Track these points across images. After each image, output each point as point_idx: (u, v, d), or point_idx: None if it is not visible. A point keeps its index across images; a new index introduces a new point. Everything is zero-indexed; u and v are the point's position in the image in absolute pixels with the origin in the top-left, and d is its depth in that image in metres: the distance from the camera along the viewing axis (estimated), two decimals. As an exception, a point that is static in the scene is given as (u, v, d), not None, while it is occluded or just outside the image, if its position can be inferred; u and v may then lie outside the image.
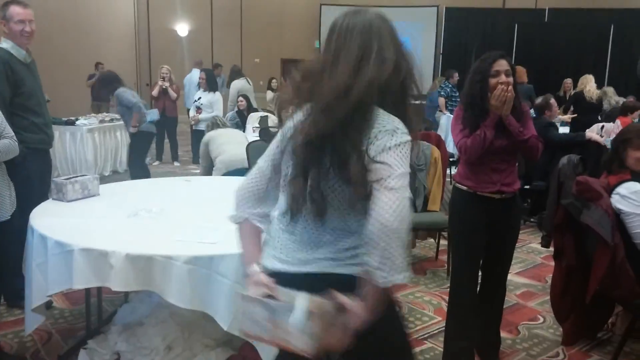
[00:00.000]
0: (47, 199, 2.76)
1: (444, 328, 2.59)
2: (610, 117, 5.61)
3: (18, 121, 2.88)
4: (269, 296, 1.17)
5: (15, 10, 2.91)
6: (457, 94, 8.22)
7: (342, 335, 1.13)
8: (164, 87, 7.24)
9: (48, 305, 2.92)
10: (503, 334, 2.86)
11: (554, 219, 2.86)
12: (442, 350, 2.55)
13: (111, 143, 7.14)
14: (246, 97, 6.93)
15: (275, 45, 12.44)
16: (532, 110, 5.42)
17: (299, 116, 1.24)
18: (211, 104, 6.72)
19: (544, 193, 4.31)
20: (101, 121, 7.10)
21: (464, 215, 2.41)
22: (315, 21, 12.60)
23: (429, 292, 3.48)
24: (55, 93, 8.77)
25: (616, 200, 2.43)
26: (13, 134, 2.54)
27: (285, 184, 1.26)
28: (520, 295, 3.46)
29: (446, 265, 3.79)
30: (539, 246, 4.04)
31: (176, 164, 7.89)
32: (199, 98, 6.83)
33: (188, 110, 7.69)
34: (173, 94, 7.35)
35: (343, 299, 1.13)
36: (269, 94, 9.93)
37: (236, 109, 6.85)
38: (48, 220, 2.30)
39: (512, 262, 4.05)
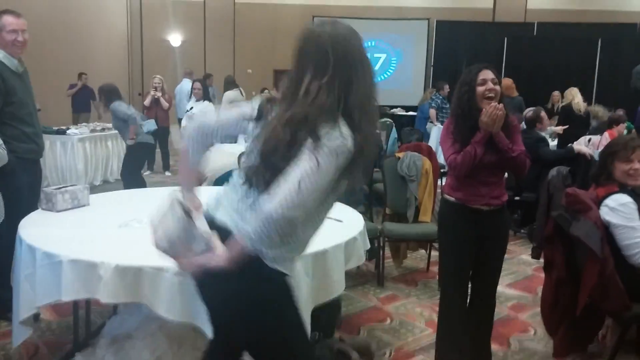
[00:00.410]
0: (37, 209, 2.74)
1: (434, 340, 2.58)
2: (598, 130, 5.68)
3: (8, 130, 2.86)
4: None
5: (7, 20, 2.90)
6: (448, 105, 8.28)
7: (189, 255, 1.38)
8: (156, 96, 7.23)
9: (36, 317, 2.87)
10: (494, 347, 2.86)
11: (543, 230, 2.87)
12: (433, 362, 2.55)
13: (102, 152, 7.10)
14: (238, 108, 6.89)
15: (268, 56, 12.47)
16: (522, 123, 5.48)
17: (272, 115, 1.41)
18: (203, 114, 6.71)
19: (534, 204, 4.34)
20: (92, 130, 7.07)
21: (453, 227, 2.42)
22: (307, 33, 12.68)
23: (420, 303, 3.48)
24: (47, 102, 8.73)
25: (605, 213, 2.46)
26: (2, 142, 2.52)
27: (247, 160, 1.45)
28: (511, 308, 3.47)
29: (437, 276, 3.79)
30: (529, 258, 4.06)
31: (167, 173, 7.86)
32: (191, 108, 6.82)
33: (179, 120, 7.68)
34: (165, 104, 7.33)
35: (213, 238, 1.37)
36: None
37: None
38: (37, 230, 2.28)
39: (503, 274, 4.06)
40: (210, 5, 12.65)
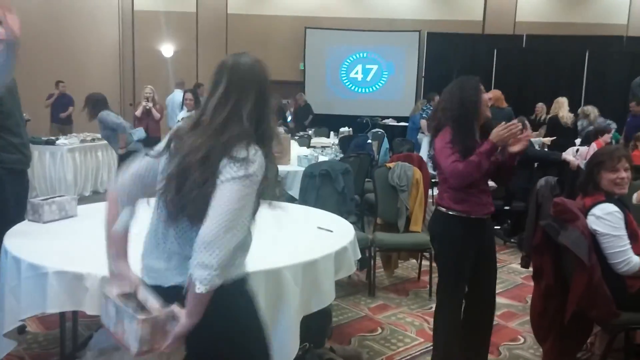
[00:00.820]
0: (24, 220, 2.71)
1: (426, 349, 2.58)
2: (586, 140, 5.74)
3: (-5, 141, 2.84)
4: (127, 294, 1.41)
5: None
6: (439, 116, 8.33)
7: (168, 339, 1.35)
8: (147, 107, 7.22)
9: (21, 329, 2.83)
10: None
11: (532, 239, 2.89)
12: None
13: (92, 163, 7.06)
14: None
15: (260, 67, 12.52)
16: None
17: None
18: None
19: (524, 214, 4.36)
20: (82, 141, 7.04)
21: (457, 240, 2.37)
22: (300, 44, 12.73)
23: (411, 313, 3.48)
24: (39, 113, 8.69)
25: (592, 222, 2.48)
26: None
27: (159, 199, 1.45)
28: (501, 316, 3.47)
29: (428, 286, 3.79)
30: (519, 267, 4.08)
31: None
32: (182, 118, 6.82)
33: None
34: (156, 114, 7.32)
35: (174, 309, 1.35)
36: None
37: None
38: (22, 241, 2.26)
39: (493, 283, 4.08)
40: (203, 16, 12.68)
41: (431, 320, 3.32)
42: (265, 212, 1.53)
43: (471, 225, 2.35)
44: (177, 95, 8.05)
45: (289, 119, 10.73)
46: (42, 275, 1.95)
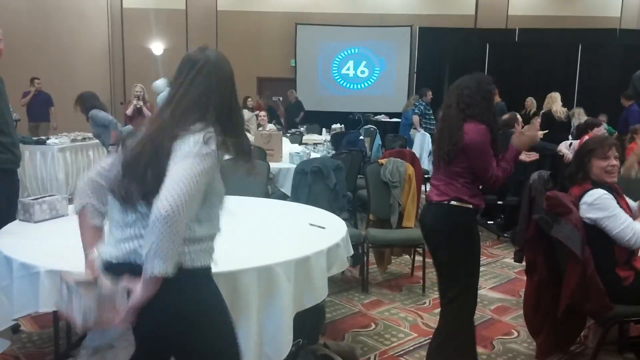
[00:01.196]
0: (15, 220, 2.69)
1: (419, 344, 2.57)
2: (578, 134, 5.77)
3: (-16, 140, 2.81)
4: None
5: None
6: (431, 111, 8.35)
7: (116, 313, 1.36)
8: (138, 105, 7.17)
9: (15, 329, 2.82)
10: (478, 349, 2.87)
11: (525, 233, 2.90)
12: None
13: (83, 162, 7.01)
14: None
15: (251, 64, 12.46)
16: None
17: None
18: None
19: (517, 208, 4.38)
20: (73, 140, 6.98)
21: (472, 231, 2.41)
22: (290, 40, 12.70)
23: (404, 308, 3.48)
24: (24, 111, 8.60)
25: (585, 211, 2.49)
26: None
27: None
28: (495, 310, 3.49)
29: (422, 281, 3.80)
30: (512, 261, 4.10)
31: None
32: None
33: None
34: (147, 113, 7.26)
35: (124, 282, 1.36)
36: (246, 113, 9.91)
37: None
38: (14, 241, 2.24)
39: (486, 277, 4.12)
40: (193, 13, 12.61)
41: (425, 315, 3.35)
42: (257, 210, 1.52)
43: (475, 214, 2.43)
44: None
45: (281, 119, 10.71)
46: (34, 274, 1.93)
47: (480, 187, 2.40)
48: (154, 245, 1.29)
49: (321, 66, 12.90)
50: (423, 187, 4.97)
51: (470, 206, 2.34)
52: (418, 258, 4.03)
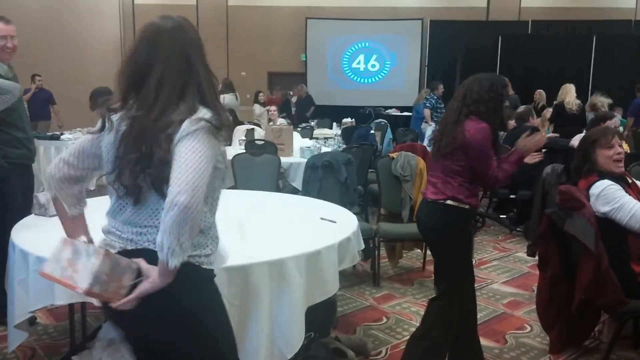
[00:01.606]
0: (30, 214, 2.73)
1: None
2: (590, 127, 5.69)
3: (0, 136, 2.85)
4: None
5: None
6: (443, 105, 8.29)
7: (122, 291, 1.30)
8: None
9: (32, 321, 2.86)
10: (490, 343, 2.87)
11: (538, 228, 2.88)
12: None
13: (97, 157, 7.07)
14: (232, 113, 6.95)
15: (262, 59, 12.48)
16: (513, 121, 5.49)
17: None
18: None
19: (530, 202, 4.35)
20: (86, 135, 7.04)
21: (465, 232, 2.39)
22: (301, 34, 12.68)
23: (416, 302, 3.48)
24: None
25: (594, 204, 2.47)
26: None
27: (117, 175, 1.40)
28: (507, 305, 3.47)
29: (433, 275, 3.79)
30: (525, 255, 4.07)
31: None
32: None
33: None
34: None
35: (141, 263, 1.32)
36: (257, 108, 9.94)
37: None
38: (29, 235, 2.27)
39: (499, 272, 4.09)
40: (203, 9, 12.64)
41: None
42: (268, 204, 1.51)
43: (471, 215, 2.44)
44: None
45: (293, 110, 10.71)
46: (49, 268, 1.95)
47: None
48: (173, 236, 1.24)
49: (331, 60, 12.87)
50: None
51: (467, 207, 2.32)
52: (429, 252, 4.02)
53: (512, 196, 5.15)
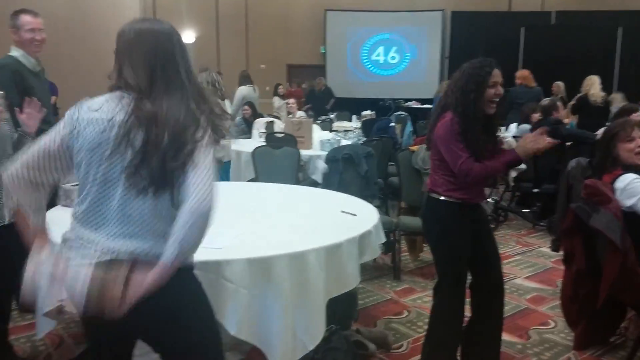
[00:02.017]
0: (56, 205, 2.77)
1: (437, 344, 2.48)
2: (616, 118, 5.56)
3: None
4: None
5: (25, 19, 2.94)
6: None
7: (118, 300, 1.30)
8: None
9: (60, 310, 2.91)
10: (513, 339, 2.84)
11: (563, 222, 2.83)
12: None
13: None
14: (252, 105, 6.98)
15: (281, 51, 12.47)
16: (538, 114, 5.39)
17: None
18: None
19: (553, 196, 4.28)
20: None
21: (450, 228, 2.28)
22: (320, 27, 12.63)
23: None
24: (66, 100, 8.82)
25: (618, 198, 2.42)
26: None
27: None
28: (530, 300, 3.43)
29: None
30: (548, 250, 4.02)
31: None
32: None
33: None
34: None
35: (128, 271, 1.31)
36: (276, 100, 9.94)
37: (242, 116, 6.87)
38: (55, 226, 2.30)
39: (522, 267, 4.05)
40: (223, 1, 12.67)
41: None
42: (288, 197, 1.51)
43: (468, 211, 2.27)
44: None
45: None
46: (75, 259, 1.98)
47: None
48: (188, 238, 1.28)
49: (351, 52, 12.79)
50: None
51: (448, 199, 2.23)
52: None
53: (535, 190, 5.07)
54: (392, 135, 6.05)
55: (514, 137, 5.14)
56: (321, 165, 4.38)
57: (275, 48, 12.54)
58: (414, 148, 4.11)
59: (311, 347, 2.04)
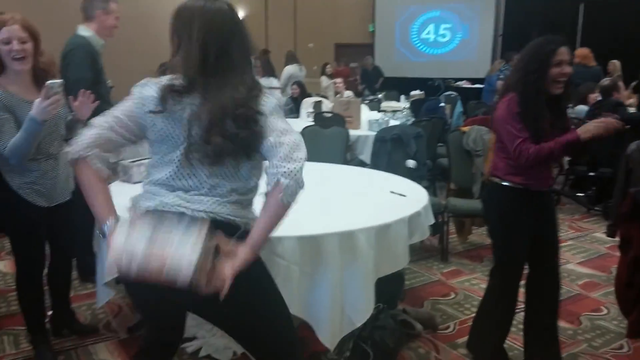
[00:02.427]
0: (115, 181, 2.91)
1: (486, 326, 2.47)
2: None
3: (99, 109, 3.04)
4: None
5: (114, 6, 3.07)
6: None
7: (225, 275, 1.29)
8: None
9: (118, 280, 3.08)
10: (564, 324, 2.79)
11: (620, 207, 2.73)
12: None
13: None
14: (300, 85, 6.98)
15: (329, 30, 12.37)
16: (596, 94, 5.17)
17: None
18: None
19: (610, 180, 4.12)
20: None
21: (513, 215, 2.21)
22: (369, 5, 12.44)
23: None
24: (120, 79, 9.12)
25: None
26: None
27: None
28: (583, 286, 3.35)
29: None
30: (603, 236, 3.88)
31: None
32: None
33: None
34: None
35: (222, 240, 1.33)
36: (324, 80, 9.92)
37: (290, 95, 6.91)
38: (116, 200, 2.42)
39: (574, 252, 3.95)
40: (272, -20, 12.66)
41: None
42: (337, 176, 1.55)
43: (530, 198, 2.18)
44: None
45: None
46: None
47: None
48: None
49: (400, 31, 12.55)
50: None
51: (507, 184, 2.17)
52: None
53: (590, 174, 4.89)
54: (441, 116, 5.95)
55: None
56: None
57: (324, 27, 12.46)
58: (465, 129, 4.04)
59: (358, 324, 2.08)
